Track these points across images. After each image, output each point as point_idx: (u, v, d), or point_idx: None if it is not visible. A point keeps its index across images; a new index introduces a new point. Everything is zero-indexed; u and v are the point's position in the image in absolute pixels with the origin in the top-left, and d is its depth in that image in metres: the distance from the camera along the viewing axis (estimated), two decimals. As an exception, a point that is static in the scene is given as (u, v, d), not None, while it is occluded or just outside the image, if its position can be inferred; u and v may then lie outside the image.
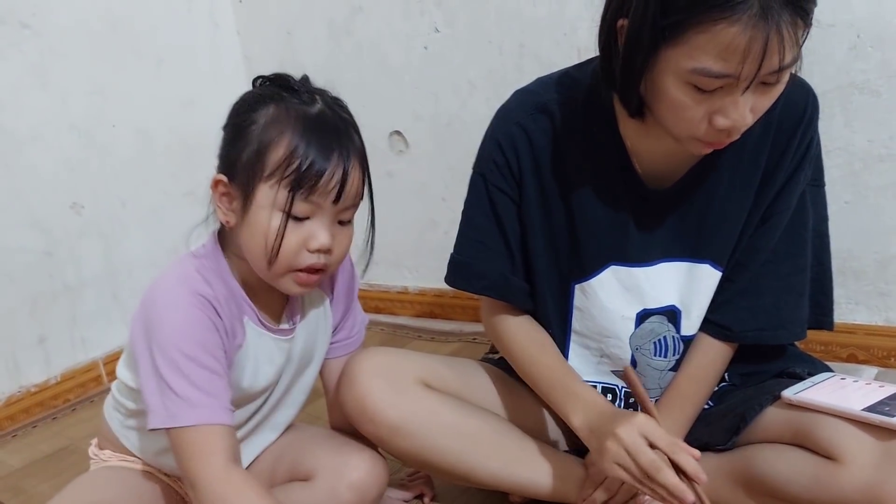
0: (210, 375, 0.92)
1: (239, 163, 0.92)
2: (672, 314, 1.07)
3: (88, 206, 1.78)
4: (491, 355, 1.25)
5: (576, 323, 1.10)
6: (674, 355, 1.08)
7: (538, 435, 1.12)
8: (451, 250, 1.14)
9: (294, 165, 0.89)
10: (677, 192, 1.03)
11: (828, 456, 0.94)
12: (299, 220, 0.91)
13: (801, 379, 1.07)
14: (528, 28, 1.65)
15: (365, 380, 1.03)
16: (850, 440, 0.92)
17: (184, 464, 0.90)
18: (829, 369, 1.12)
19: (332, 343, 1.12)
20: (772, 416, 1.04)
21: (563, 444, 1.16)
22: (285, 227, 0.90)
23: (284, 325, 1.03)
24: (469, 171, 1.12)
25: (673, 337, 1.08)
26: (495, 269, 1.09)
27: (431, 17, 1.79)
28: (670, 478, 0.86)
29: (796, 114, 1.00)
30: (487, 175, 1.07)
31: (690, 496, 0.85)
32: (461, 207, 1.13)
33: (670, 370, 1.09)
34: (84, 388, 1.76)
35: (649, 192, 1.02)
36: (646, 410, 0.92)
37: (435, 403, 1.05)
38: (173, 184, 1.93)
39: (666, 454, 0.87)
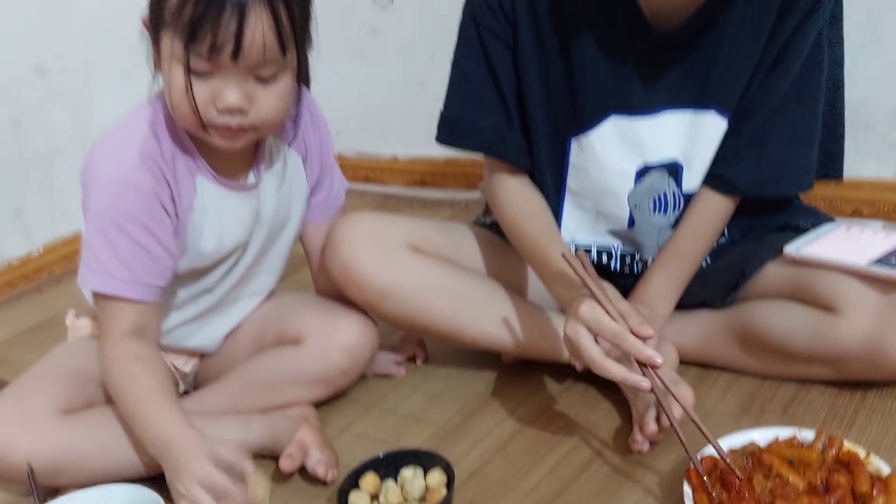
0: (135, 248, 0.89)
1: (151, 5, 0.85)
2: (673, 168, 1.01)
3: (54, 69, 1.68)
4: (482, 219, 1.21)
5: (571, 181, 1.05)
6: (674, 212, 1.03)
7: (530, 297, 1.09)
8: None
9: (185, 15, 0.80)
10: (685, 32, 0.94)
11: (827, 308, 0.92)
12: (203, 74, 0.84)
13: (805, 232, 1.02)
14: None
15: (351, 245, 1.00)
16: (851, 291, 0.90)
17: (98, 328, 0.94)
18: (833, 221, 1.07)
19: (310, 205, 1.08)
20: (772, 272, 1.01)
21: (554, 305, 1.13)
22: (189, 82, 0.83)
23: (246, 181, 0.98)
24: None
25: (673, 193, 1.02)
26: (490, 124, 1.02)
27: None
28: (615, 372, 0.81)
29: None
30: (478, 17, 0.99)
31: (646, 384, 0.80)
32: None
33: (670, 228, 1.04)
34: (68, 261, 1.71)
35: (654, 33, 0.94)
36: (594, 297, 0.84)
37: (423, 266, 1.02)
38: (145, 43, 1.82)
39: (614, 345, 0.82)
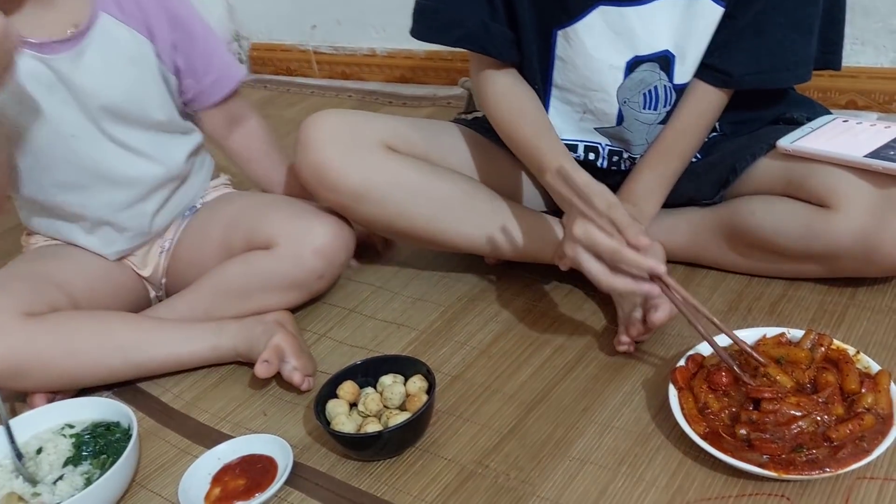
0: None
1: None
2: (665, 60, 0.95)
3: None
4: (463, 115, 1.15)
5: (557, 75, 0.98)
6: (664, 107, 0.98)
7: (514, 196, 1.05)
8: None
9: None
10: None
11: (821, 204, 0.88)
12: None
13: (800, 125, 0.98)
14: None
15: (322, 145, 0.95)
16: (846, 185, 0.86)
17: None
18: (829, 112, 1.02)
19: (189, 91, 1.05)
20: (764, 167, 0.97)
21: (540, 205, 1.09)
22: None
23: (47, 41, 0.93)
24: None
25: (665, 86, 0.96)
26: (472, 14, 0.94)
27: None
28: (623, 285, 0.79)
29: None
30: None
31: (655, 290, 0.78)
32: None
33: (659, 123, 0.99)
34: None
35: None
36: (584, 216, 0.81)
37: (400, 166, 0.97)
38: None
39: (612, 262, 0.78)
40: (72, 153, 0.97)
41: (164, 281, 1.10)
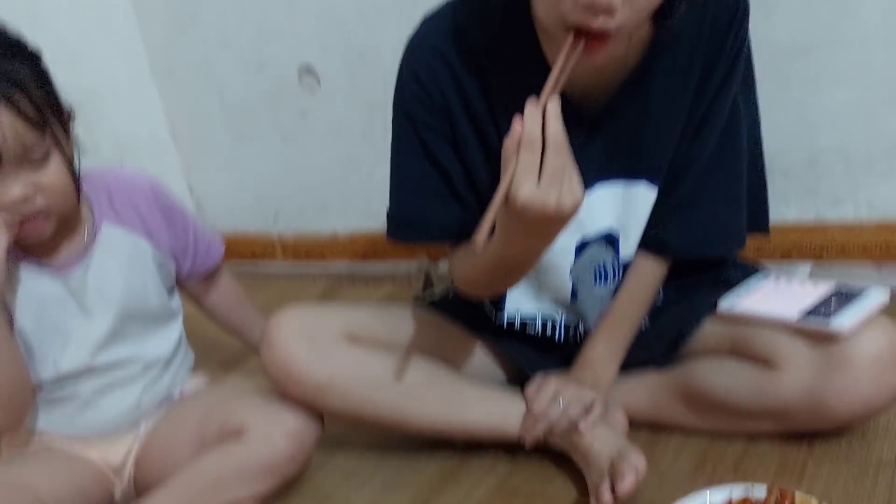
0: None
1: None
2: (610, 238, 1.02)
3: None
4: (422, 294, 1.20)
5: None
6: (614, 280, 1.04)
7: (474, 374, 1.08)
8: (378, 191, 1.04)
9: None
10: (609, 109, 0.95)
11: (767, 363, 0.93)
12: None
13: (737, 285, 1.04)
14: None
15: (286, 341, 0.99)
16: (787, 346, 0.91)
17: None
18: (763, 272, 1.09)
19: (183, 272, 1.15)
20: (710, 329, 1.03)
21: (501, 379, 1.12)
22: None
23: (62, 261, 1.03)
24: (388, 102, 1.00)
25: (612, 262, 1.03)
26: (447, 213, 0.99)
27: (328, -61, 1.67)
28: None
29: (728, 11, 0.93)
30: (412, 112, 0.96)
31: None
32: (382, 143, 1.02)
33: (611, 297, 1.05)
34: None
35: (580, 113, 0.94)
36: None
37: (362, 357, 1.00)
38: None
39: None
40: (72, 361, 1.04)
41: (132, 471, 1.09)
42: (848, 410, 0.89)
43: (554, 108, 0.75)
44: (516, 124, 0.75)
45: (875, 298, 0.91)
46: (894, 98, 1.27)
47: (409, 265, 1.87)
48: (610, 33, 0.76)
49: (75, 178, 0.99)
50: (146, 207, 1.09)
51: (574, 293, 1.04)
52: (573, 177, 0.77)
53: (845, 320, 0.87)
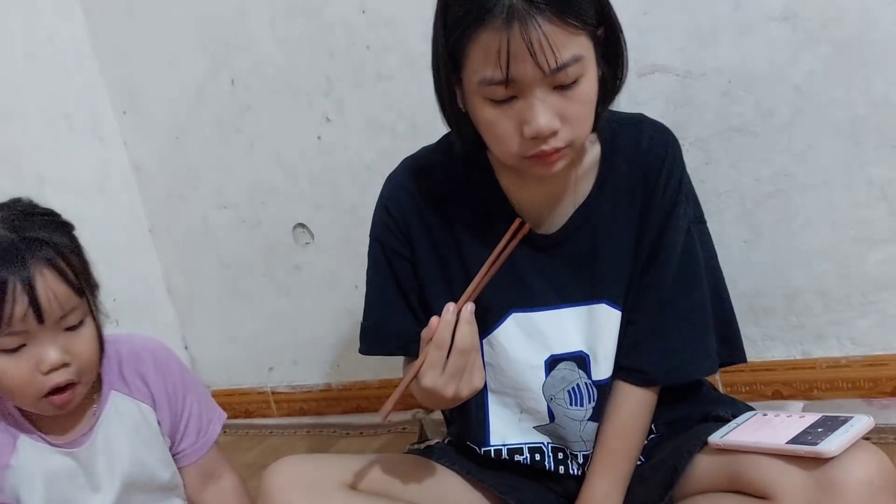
0: None
1: None
2: (581, 360, 1.05)
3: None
4: (416, 445, 1.20)
5: (490, 381, 1.07)
6: (589, 403, 1.05)
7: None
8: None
9: None
10: (565, 235, 1.03)
11: (763, 496, 0.92)
12: (14, 350, 0.90)
13: (726, 421, 1.05)
14: (419, 107, 1.67)
15: (283, 493, 0.98)
16: (780, 476, 0.91)
17: None
18: (750, 408, 1.10)
19: (180, 452, 1.12)
20: (704, 464, 1.02)
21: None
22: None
23: (73, 437, 1.02)
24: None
25: (586, 384, 1.05)
26: (406, 329, 1.07)
27: (321, 107, 1.79)
28: None
29: (659, 153, 1.03)
30: (382, 239, 1.09)
31: None
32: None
33: (589, 420, 1.06)
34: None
35: (537, 238, 1.03)
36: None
37: None
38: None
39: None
40: None
41: None
42: None
43: (467, 312, 0.89)
44: (433, 321, 0.89)
45: (860, 423, 0.92)
46: (861, 237, 1.34)
47: (403, 415, 1.87)
48: (562, 148, 0.89)
49: (102, 348, 1.00)
50: (152, 377, 1.10)
51: (551, 413, 1.05)
52: (473, 372, 0.90)
53: (832, 442, 0.88)
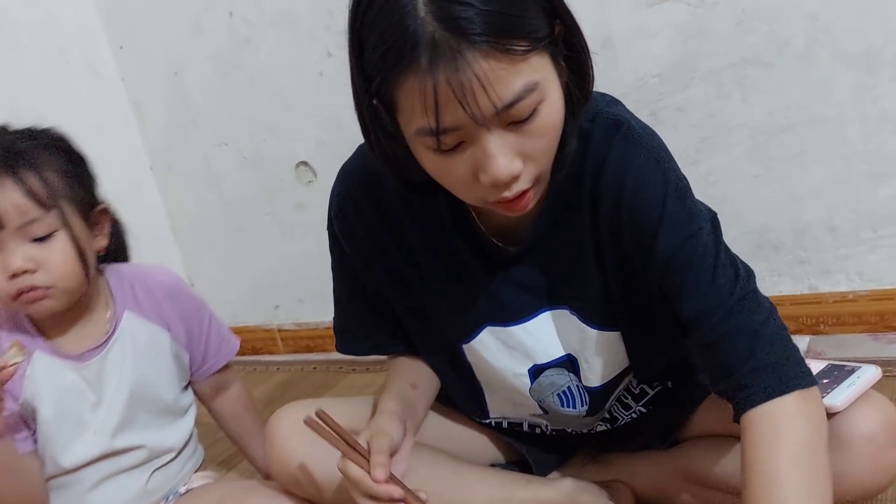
0: None
1: None
2: (570, 363, 0.98)
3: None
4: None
5: (479, 375, 1.03)
6: (583, 406, 1.01)
7: (475, 457, 1.08)
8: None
9: None
10: (527, 249, 0.92)
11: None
12: None
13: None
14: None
15: (287, 440, 0.98)
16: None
17: None
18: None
19: (196, 370, 1.18)
20: (706, 410, 1.01)
21: (501, 461, 1.12)
22: None
23: (82, 352, 1.06)
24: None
25: (577, 386, 0.99)
26: (374, 332, 1.05)
27: (322, 41, 1.75)
28: None
29: (614, 187, 0.84)
30: (334, 234, 1.01)
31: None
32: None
33: (586, 416, 1.02)
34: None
35: (501, 251, 0.92)
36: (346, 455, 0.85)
37: None
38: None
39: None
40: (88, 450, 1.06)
41: None
42: (845, 494, 0.83)
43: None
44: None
45: (867, 374, 0.91)
46: (872, 171, 1.32)
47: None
48: (528, 189, 0.76)
49: (84, 262, 1.01)
50: (166, 300, 1.13)
51: (543, 409, 1.03)
52: None
53: (837, 397, 0.87)
